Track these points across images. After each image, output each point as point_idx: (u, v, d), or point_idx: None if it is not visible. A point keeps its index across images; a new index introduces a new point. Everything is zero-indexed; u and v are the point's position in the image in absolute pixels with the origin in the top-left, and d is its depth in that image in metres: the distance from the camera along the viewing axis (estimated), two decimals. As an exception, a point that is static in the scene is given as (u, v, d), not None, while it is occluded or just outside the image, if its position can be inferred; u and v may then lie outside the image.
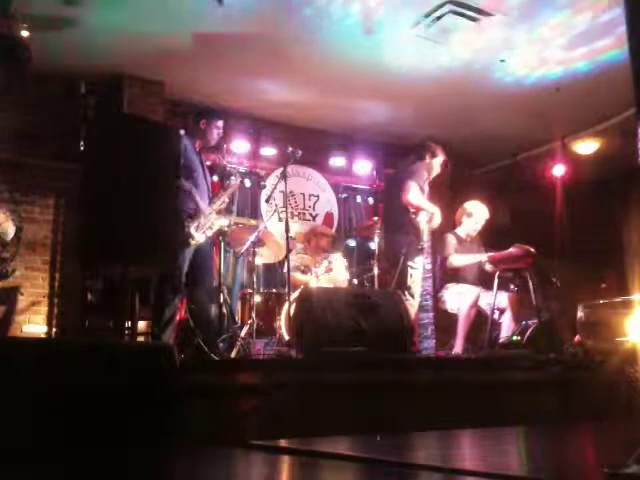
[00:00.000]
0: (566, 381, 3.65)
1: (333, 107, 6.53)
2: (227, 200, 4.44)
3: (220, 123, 4.43)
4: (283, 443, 2.48)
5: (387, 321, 3.76)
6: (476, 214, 5.41)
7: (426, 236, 4.92)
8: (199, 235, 4.11)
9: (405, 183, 4.86)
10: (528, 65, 5.62)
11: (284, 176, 4.81)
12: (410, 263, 4.80)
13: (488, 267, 5.03)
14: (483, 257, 5.06)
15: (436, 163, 5.13)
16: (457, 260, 5.18)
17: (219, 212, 4.35)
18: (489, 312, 4.83)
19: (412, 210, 4.84)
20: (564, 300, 5.34)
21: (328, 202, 7.29)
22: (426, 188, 5.05)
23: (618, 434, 2.91)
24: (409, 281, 4.78)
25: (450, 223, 5.55)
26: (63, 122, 5.62)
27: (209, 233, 4.23)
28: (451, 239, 5.31)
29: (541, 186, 7.12)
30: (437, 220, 4.93)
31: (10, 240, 5.33)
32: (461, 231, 5.44)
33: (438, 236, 5.50)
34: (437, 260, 5.50)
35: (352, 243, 6.88)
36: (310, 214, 7.14)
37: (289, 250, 4.79)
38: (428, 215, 4.89)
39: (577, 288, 5.51)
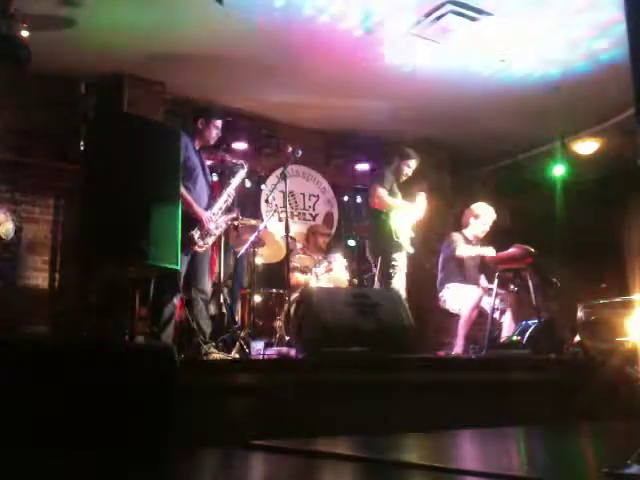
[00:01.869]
0: (566, 381, 3.65)
1: (333, 107, 6.52)
2: (233, 193, 4.45)
3: (219, 122, 4.43)
4: (283, 443, 2.48)
5: (387, 321, 3.76)
6: (483, 215, 5.46)
7: (402, 232, 5.10)
8: (206, 240, 4.13)
9: (372, 188, 5.20)
10: (528, 65, 5.61)
11: (284, 176, 4.81)
12: (391, 261, 5.04)
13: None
14: (490, 251, 5.12)
15: (406, 165, 5.24)
16: (464, 250, 5.25)
17: (225, 210, 4.37)
18: (489, 312, 4.83)
19: (384, 210, 5.09)
20: (564, 300, 5.34)
21: (328, 202, 7.28)
22: (396, 189, 5.21)
23: (618, 434, 2.91)
24: (392, 277, 5.03)
25: (451, 223, 5.57)
26: (63, 122, 5.62)
27: (218, 232, 4.28)
28: (457, 237, 5.37)
29: (541, 186, 7.11)
30: (416, 214, 5.19)
31: (10, 240, 5.32)
32: (468, 232, 5.49)
33: (444, 236, 5.55)
34: (439, 259, 5.51)
35: (352, 243, 6.88)
36: (310, 214, 7.14)
37: (289, 250, 4.79)
38: (402, 213, 5.10)
39: (577, 288, 5.50)
